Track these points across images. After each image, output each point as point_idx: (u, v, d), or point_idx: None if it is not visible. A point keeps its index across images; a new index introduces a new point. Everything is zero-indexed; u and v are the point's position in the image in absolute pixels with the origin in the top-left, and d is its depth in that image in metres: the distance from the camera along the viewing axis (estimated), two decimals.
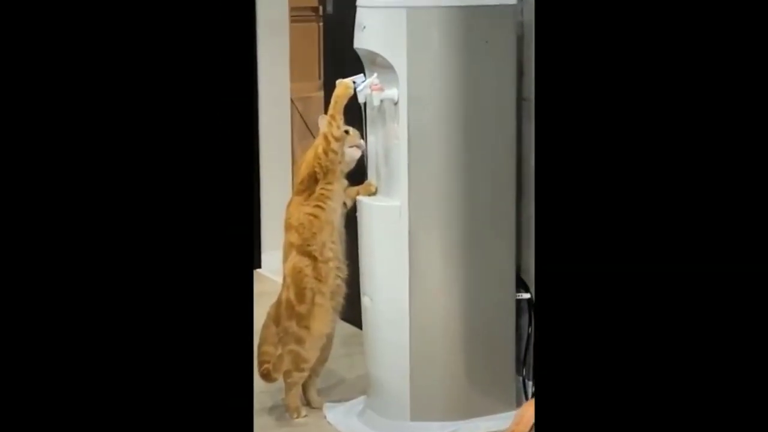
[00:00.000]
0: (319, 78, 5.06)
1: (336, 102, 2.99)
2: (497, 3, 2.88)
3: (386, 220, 2.95)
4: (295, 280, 3.07)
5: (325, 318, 3.08)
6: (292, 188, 3.16)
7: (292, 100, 4.82)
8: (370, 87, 2.92)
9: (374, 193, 3.03)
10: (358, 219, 3.05)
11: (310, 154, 3.06)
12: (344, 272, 3.11)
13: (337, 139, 3.00)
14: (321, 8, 4.78)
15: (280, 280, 3.20)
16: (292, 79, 4.73)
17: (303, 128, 4.84)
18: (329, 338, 3.16)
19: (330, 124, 3.00)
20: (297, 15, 5.11)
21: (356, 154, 3.05)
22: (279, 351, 3.11)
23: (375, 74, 2.94)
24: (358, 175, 3.12)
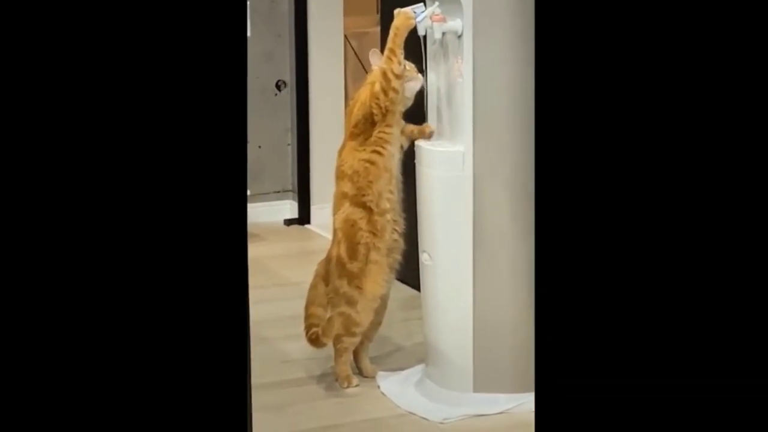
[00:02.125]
0: (377, 12, 5.04)
1: (395, 34, 2.92)
2: None
3: (448, 167, 2.90)
4: (347, 235, 3.02)
5: (379, 277, 3.04)
6: (345, 132, 3.10)
7: (345, 36, 4.81)
8: (431, 17, 2.87)
9: (429, 137, 2.99)
10: (417, 166, 3.00)
11: (364, 94, 3.00)
12: (401, 225, 3.06)
13: (397, 77, 2.94)
14: None
15: (330, 235, 3.17)
16: (346, 13, 4.72)
17: (358, 68, 4.85)
18: (384, 300, 3.11)
19: (389, 59, 2.94)
20: None
21: (416, 86, 2.99)
22: (328, 313, 3.08)
23: (436, 3, 2.89)
24: (415, 116, 3.05)
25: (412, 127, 3.02)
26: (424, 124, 3.01)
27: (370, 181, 2.98)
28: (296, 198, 4.78)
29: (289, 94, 4.75)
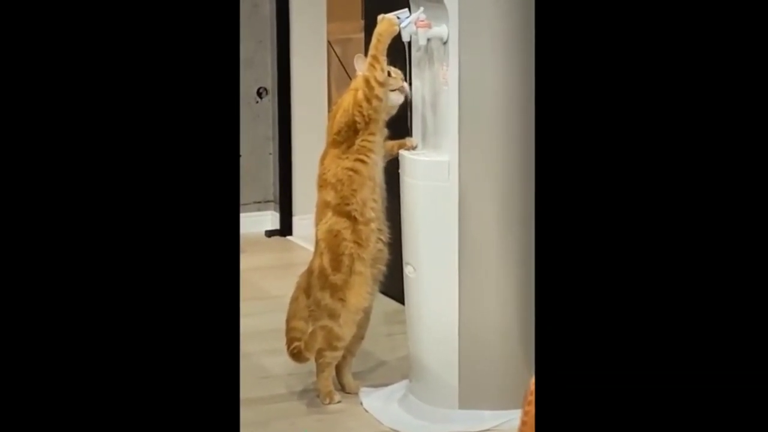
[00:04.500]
0: (361, 17, 5.03)
1: (379, 40, 2.96)
2: None
3: (433, 177, 2.93)
4: (330, 245, 3.05)
5: (363, 289, 3.06)
6: (326, 138, 3.13)
7: (329, 43, 4.83)
8: (416, 23, 2.89)
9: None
10: (401, 176, 3.03)
11: (347, 100, 3.03)
12: (386, 235, 3.09)
13: (381, 84, 2.97)
14: None
15: (312, 248, 3.19)
16: (330, 19, 4.73)
17: (342, 75, 4.83)
18: (367, 313, 3.14)
19: (372, 66, 2.97)
20: None
21: (399, 99, 3.03)
22: (310, 327, 3.10)
23: (421, 8, 2.91)
24: (399, 124, 3.08)
25: (392, 144, 3.05)
26: (406, 138, 3.04)
27: (354, 190, 3.01)
28: (278, 209, 4.79)
29: (270, 102, 4.75)
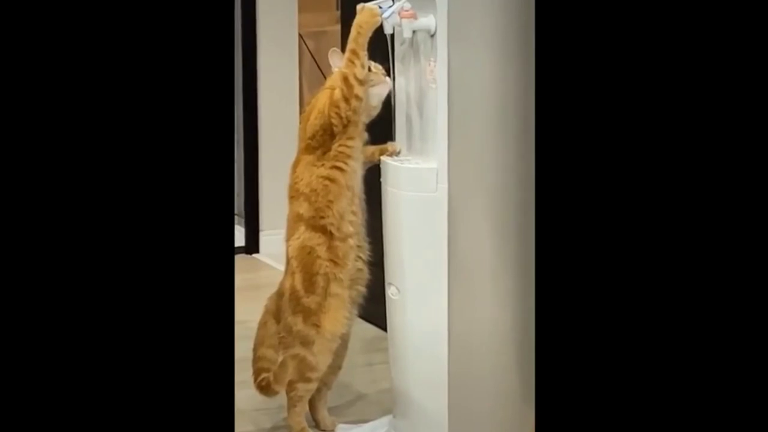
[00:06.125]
0: (336, 8, 5.08)
1: (359, 33, 2.92)
2: None
3: (419, 186, 2.90)
4: (303, 264, 3.01)
5: (339, 313, 3.03)
6: (299, 144, 3.09)
7: (300, 36, 4.83)
8: (400, 13, 2.87)
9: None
10: (383, 186, 3.00)
11: (322, 100, 2.99)
12: (366, 252, 3.06)
13: (361, 82, 2.94)
14: None
15: (282, 267, 3.16)
16: (302, 9, 4.76)
17: (315, 72, 4.86)
18: (344, 340, 3.11)
19: (351, 62, 2.93)
20: None
21: (382, 93, 3.01)
22: (280, 356, 3.07)
23: None
24: (381, 127, 3.05)
25: (373, 149, 3.03)
26: (388, 143, 3.02)
27: (330, 201, 2.98)
28: (243, 223, 4.80)
29: (234, 103, 4.75)
